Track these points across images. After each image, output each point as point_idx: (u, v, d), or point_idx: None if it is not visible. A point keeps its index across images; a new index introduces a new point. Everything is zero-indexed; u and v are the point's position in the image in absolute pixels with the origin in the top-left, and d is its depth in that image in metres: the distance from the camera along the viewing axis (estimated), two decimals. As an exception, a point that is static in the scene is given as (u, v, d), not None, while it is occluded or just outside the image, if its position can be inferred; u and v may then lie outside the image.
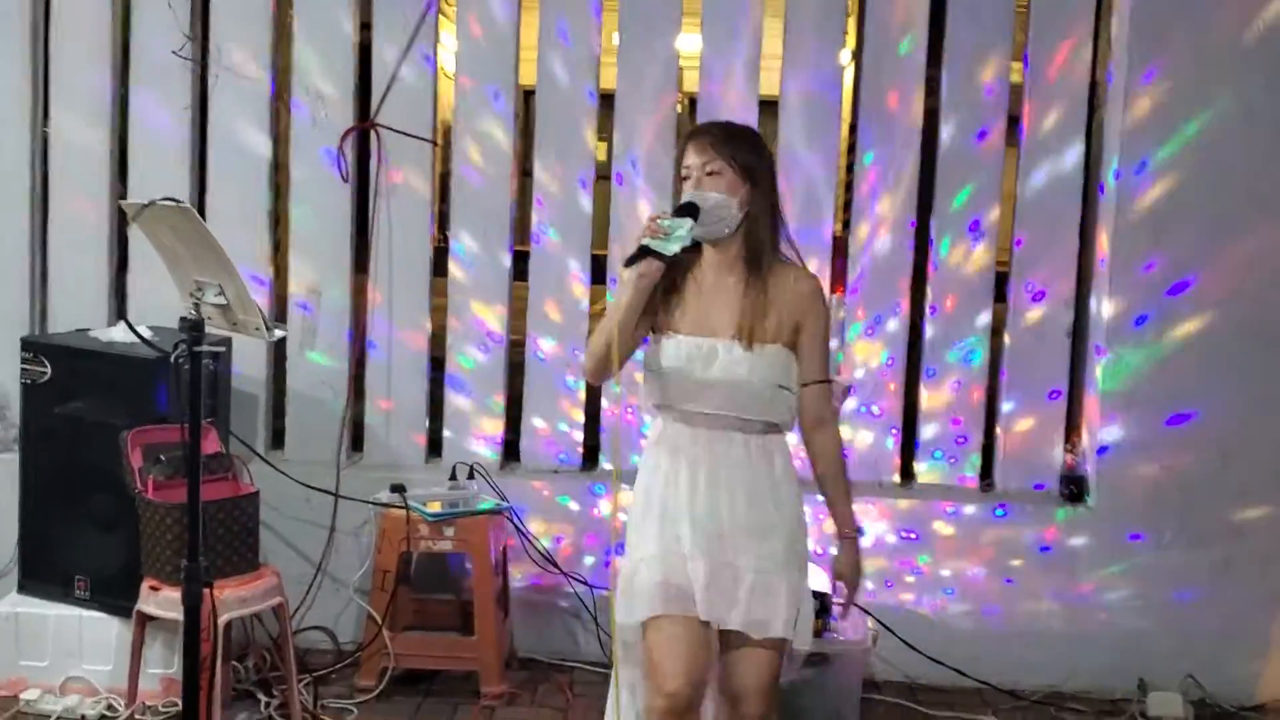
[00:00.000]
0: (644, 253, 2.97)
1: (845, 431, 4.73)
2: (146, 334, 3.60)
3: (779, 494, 3.12)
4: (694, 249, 3.09)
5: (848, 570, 3.21)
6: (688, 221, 2.97)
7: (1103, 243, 4.65)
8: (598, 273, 4.75)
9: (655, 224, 2.98)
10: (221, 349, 3.12)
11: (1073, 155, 4.63)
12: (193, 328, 3.05)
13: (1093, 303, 4.71)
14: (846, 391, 4.32)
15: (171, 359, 3.04)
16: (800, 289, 3.12)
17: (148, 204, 2.97)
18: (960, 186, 4.67)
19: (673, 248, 2.95)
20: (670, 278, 3.10)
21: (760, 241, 3.10)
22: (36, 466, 4.33)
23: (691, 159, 3.09)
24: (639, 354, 3.17)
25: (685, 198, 3.05)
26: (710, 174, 3.06)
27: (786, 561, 3.10)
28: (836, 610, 3.33)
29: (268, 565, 4.14)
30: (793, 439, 3.18)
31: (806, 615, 3.15)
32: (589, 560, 4.67)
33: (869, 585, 4.64)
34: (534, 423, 4.81)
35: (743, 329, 3.07)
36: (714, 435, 3.09)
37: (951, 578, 4.68)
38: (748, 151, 3.10)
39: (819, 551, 4.65)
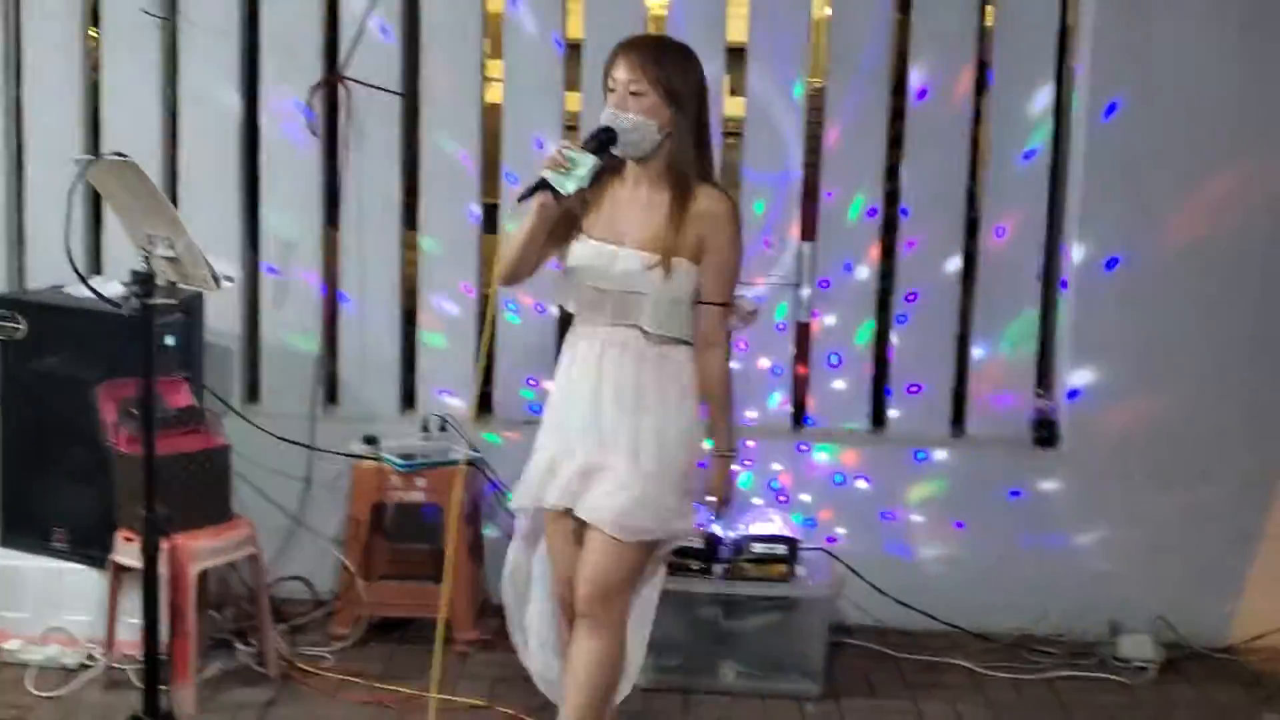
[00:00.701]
0: (542, 184, 3.03)
1: (817, 376, 4.78)
2: (112, 290, 3.65)
3: (672, 403, 3.22)
4: (618, 160, 3.17)
5: (716, 486, 3.34)
6: (591, 159, 3.04)
7: (1073, 187, 4.64)
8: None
9: (561, 154, 3.04)
10: (172, 302, 3.12)
11: (1042, 97, 4.61)
12: (144, 280, 3.08)
13: (1062, 246, 4.70)
14: (752, 315, 4.32)
15: (123, 313, 3.06)
16: (708, 207, 3.18)
17: (93, 159, 3.00)
18: (929, 131, 4.65)
19: (570, 186, 3.03)
20: (594, 183, 3.15)
21: (682, 165, 3.15)
22: (14, 421, 4.37)
23: (620, 74, 3.13)
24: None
25: (603, 120, 3.12)
26: (634, 94, 3.10)
27: (660, 471, 3.20)
28: (705, 519, 3.50)
29: (241, 516, 4.20)
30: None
31: (674, 529, 3.25)
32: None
33: (841, 531, 4.70)
34: (506, 374, 4.83)
35: (657, 246, 3.13)
36: (610, 339, 3.21)
37: (922, 523, 4.70)
38: (676, 73, 3.14)
39: (790, 496, 4.70)
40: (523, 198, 3.09)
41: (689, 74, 3.17)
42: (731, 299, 3.27)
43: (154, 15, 4.67)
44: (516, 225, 3.24)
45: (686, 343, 3.24)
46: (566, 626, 3.40)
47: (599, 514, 3.19)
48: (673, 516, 3.24)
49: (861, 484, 4.70)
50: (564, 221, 3.22)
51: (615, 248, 3.18)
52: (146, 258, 3.15)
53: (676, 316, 3.20)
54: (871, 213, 4.70)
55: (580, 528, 3.26)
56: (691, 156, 3.16)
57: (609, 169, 3.20)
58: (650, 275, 3.14)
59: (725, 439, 3.32)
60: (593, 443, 3.22)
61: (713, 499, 3.35)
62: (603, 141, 3.09)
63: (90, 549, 4.22)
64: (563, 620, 3.44)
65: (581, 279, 3.22)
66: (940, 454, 4.70)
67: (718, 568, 4.25)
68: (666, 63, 3.14)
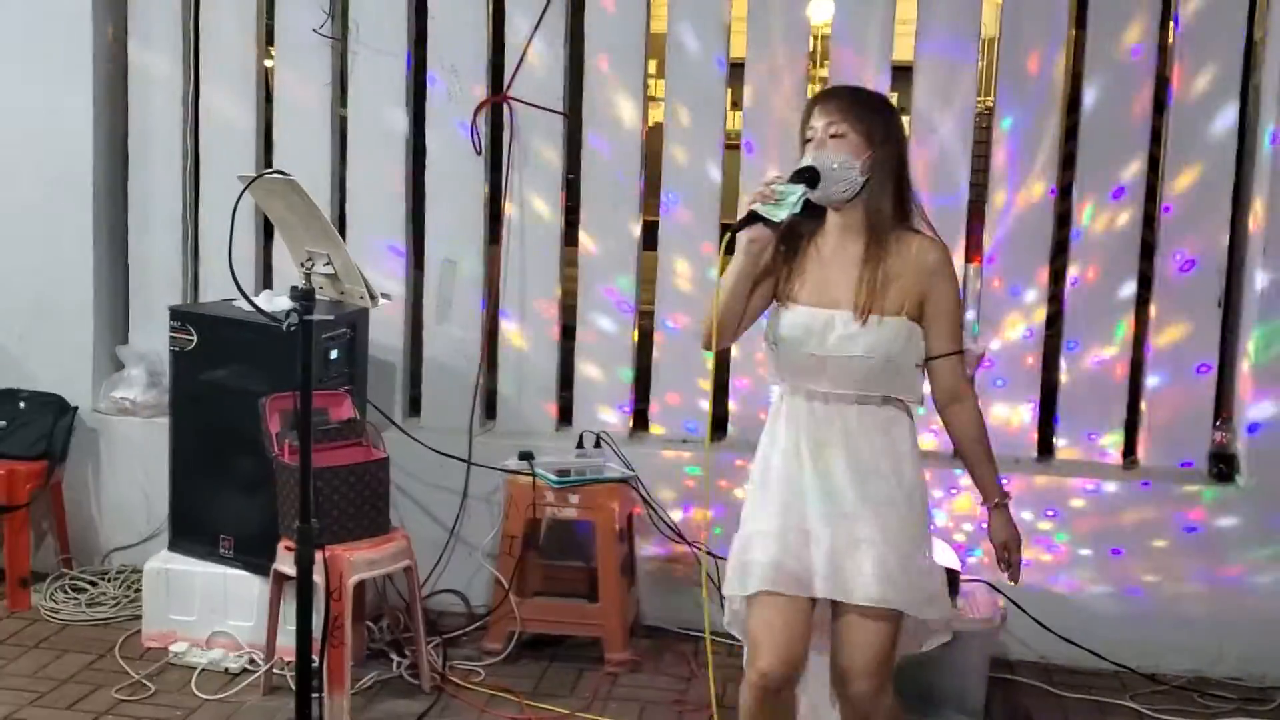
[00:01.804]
0: (752, 218, 2.93)
1: (981, 402, 4.62)
2: (279, 304, 3.73)
3: (900, 467, 3.04)
4: (818, 214, 3.04)
5: (1004, 535, 3.13)
6: (800, 188, 2.92)
7: (1258, 209, 4.43)
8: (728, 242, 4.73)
9: (768, 189, 2.94)
10: (330, 318, 3.17)
11: (1226, 118, 4.42)
12: (303, 296, 3.14)
13: (1245, 272, 4.49)
14: (980, 359, 4.21)
15: (283, 327, 3.12)
16: (925, 259, 3.02)
17: (256, 176, 3.06)
18: (1104, 152, 4.49)
19: (781, 214, 2.91)
20: (794, 245, 3.07)
21: (883, 208, 3.02)
22: (185, 431, 4.51)
23: (816, 121, 3.02)
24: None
25: (805, 160, 3.00)
26: (835, 136, 2.98)
27: (911, 537, 3.04)
28: (1004, 574, 3.21)
29: (398, 529, 4.25)
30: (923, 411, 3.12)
31: (933, 588, 3.08)
32: (717, 531, 4.67)
33: (981, 560, 4.53)
34: (663, 392, 4.81)
35: (859, 301, 2.99)
36: (830, 410, 3.04)
37: (1091, 557, 4.53)
38: (874, 115, 3.02)
39: (950, 527, 4.57)
40: (736, 230, 2.98)
41: (888, 115, 3.08)
42: (962, 347, 3.13)
43: (326, 36, 4.79)
44: (724, 274, 3.08)
45: (910, 403, 3.09)
46: (761, 712, 3.08)
47: (870, 592, 2.98)
48: (934, 583, 3.10)
49: (1027, 515, 4.54)
50: (765, 285, 3.10)
51: (830, 311, 3.02)
52: (307, 274, 3.19)
53: (899, 377, 3.04)
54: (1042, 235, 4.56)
55: (805, 606, 3.04)
56: (891, 202, 3.03)
57: (809, 227, 3.07)
58: (867, 337, 2.98)
59: (994, 489, 3.13)
60: (833, 517, 3.02)
61: (1007, 552, 3.14)
62: (806, 180, 2.97)
63: (255, 557, 4.32)
64: (757, 706, 3.08)
65: (795, 351, 3.05)
66: (1111, 486, 4.52)
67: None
68: (865, 106, 3.04)
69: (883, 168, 3.01)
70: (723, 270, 3.11)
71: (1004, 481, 3.22)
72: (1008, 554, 3.14)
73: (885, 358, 3.00)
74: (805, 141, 3.05)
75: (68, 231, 4.96)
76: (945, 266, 3.05)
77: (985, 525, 3.18)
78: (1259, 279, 4.39)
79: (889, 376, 3.02)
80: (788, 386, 3.11)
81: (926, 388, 3.13)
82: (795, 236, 3.07)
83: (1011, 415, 4.64)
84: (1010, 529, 3.13)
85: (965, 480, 4.52)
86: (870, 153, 3.00)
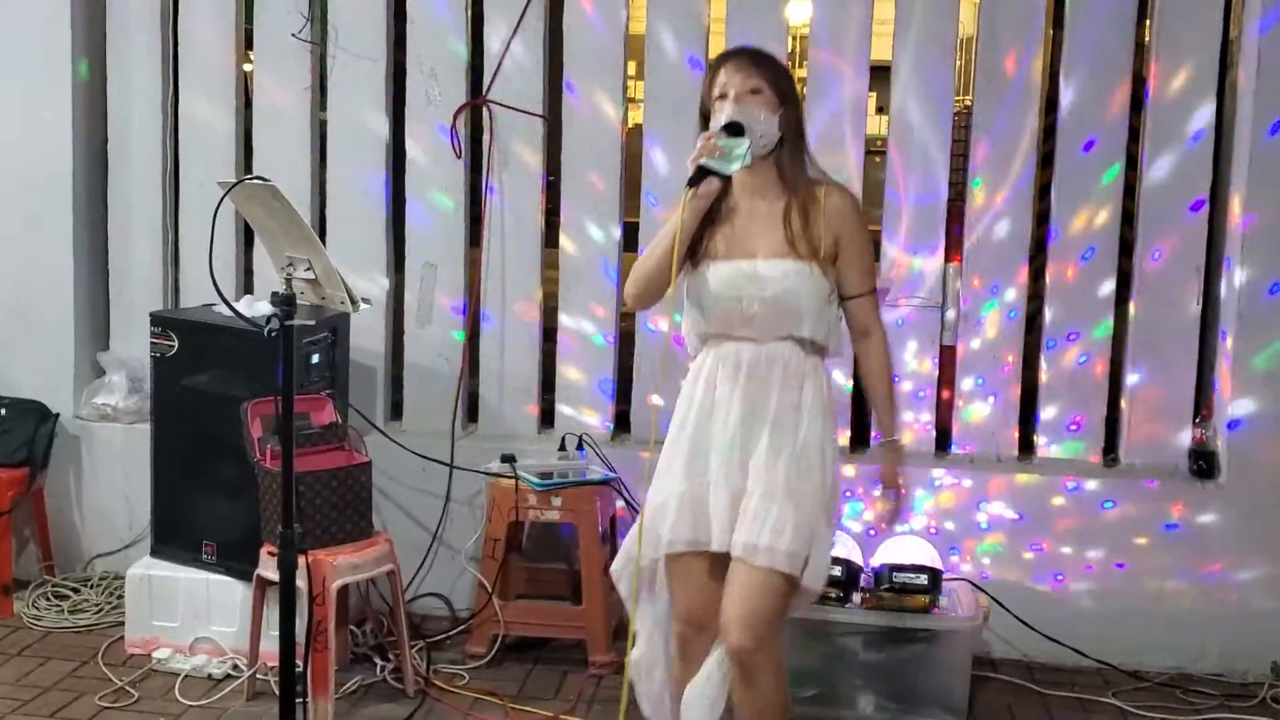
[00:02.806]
0: (703, 173, 3.01)
1: (958, 401, 4.66)
2: (260, 309, 3.73)
3: (804, 421, 3.13)
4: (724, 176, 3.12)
5: (887, 474, 3.28)
6: (744, 140, 3.01)
7: (1235, 208, 4.45)
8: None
9: (711, 143, 3.02)
10: (311, 323, 3.17)
11: (1203, 116, 4.44)
12: (284, 301, 3.14)
13: (1224, 270, 4.52)
14: (885, 294, 4.22)
15: (264, 333, 3.12)
16: (835, 204, 3.15)
17: (236, 182, 3.06)
18: (1081, 151, 4.51)
19: (733, 167, 3.01)
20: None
21: (797, 161, 3.15)
22: (167, 437, 4.50)
23: (730, 77, 3.12)
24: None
25: (730, 116, 3.06)
26: (753, 92, 3.10)
27: (802, 491, 3.10)
28: (879, 516, 3.36)
29: (381, 533, 4.25)
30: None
31: (822, 553, 3.14)
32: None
33: (962, 559, 4.56)
34: (644, 394, 4.82)
35: (780, 249, 3.09)
36: (755, 359, 3.13)
37: (1072, 555, 4.54)
38: (781, 74, 3.18)
39: (930, 525, 4.58)
40: (691, 184, 3.04)
41: (788, 74, 3.22)
42: (874, 286, 3.24)
43: (305, 40, 4.79)
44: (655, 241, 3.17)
45: (825, 351, 3.19)
46: (684, 668, 3.26)
47: (757, 548, 3.05)
48: (823, 548, 3.15)
49: (1009, 513, 4.56)
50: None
51: (754, 262, 3.12)
52: (287, 279, 3.19)
53: (827, 320, 3.16)
54: (1020, 235, 4.58)
55: (713, 564, 3.15)
56: (803, 155, 3.18)
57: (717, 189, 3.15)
58: (802, 281, 3.10)
59: (890, 426, 3.30)
60: (736, 470, 3.12)
61: (889, 492, 3.29)
62: (735, 134, 3.04)
63: (237, 562, 4.31)
64: (679, 664, 3.29)
65: (725, 304, 3.13)
66: (1092, 484, 4.53)
67: (857, 597, 4.16)
68: (773, 64, 3.18)
69: (794, 122, 3.15)
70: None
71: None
72: (892, 497, 3.28)
73: (806, 296, 3.10)
74: (718, 98, 3.12)
75: (48, 238, 4.95)
76: (854, 210, 3.19)
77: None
78: (1237, 276, 4.41)
79: (811, 318, 3.12)
80: (710, 345, 3.20)
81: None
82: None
83: (992, 414, 4.65)
84: (891, 466, 3.27)
85: (948, 479, 4.56)
86: (784, 109, 3.12)
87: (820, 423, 3.16)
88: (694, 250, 3.17)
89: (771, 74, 3.13)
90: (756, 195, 3.17)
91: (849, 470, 4.49)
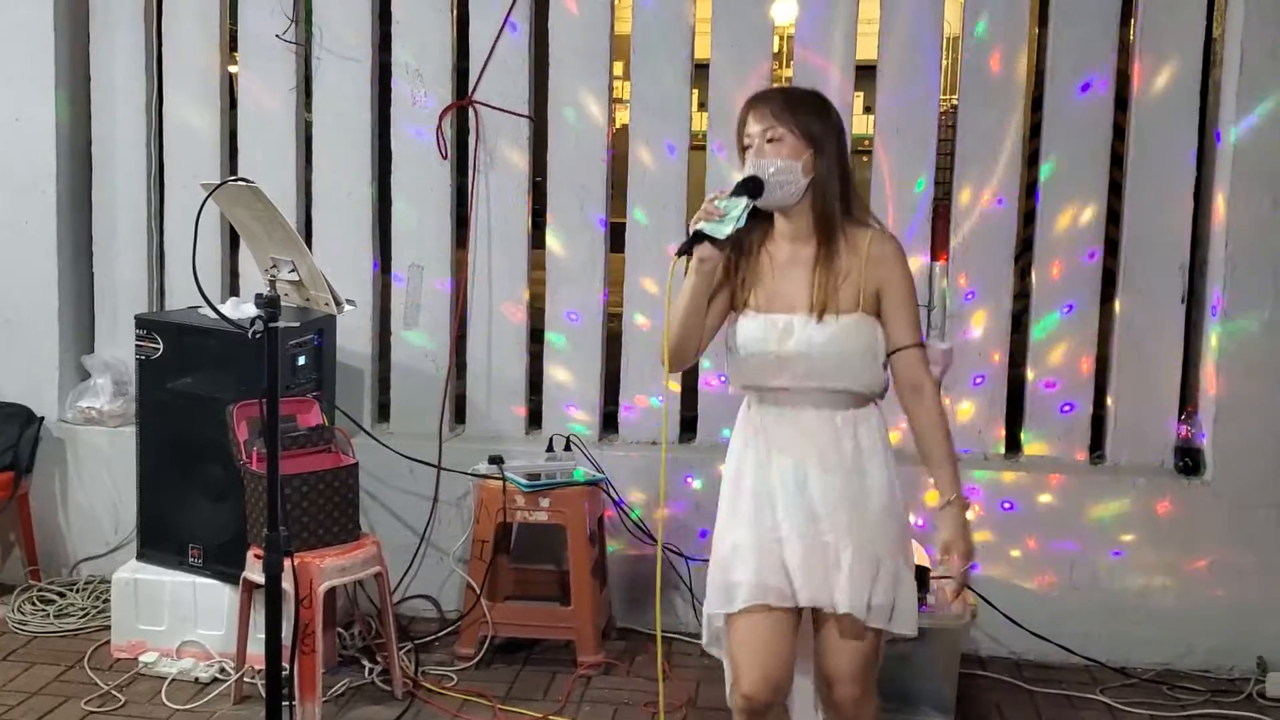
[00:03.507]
0: (698, 238, 2.91)
1: (945, 399, 4.65)
2: (245, 311, 3.72)
3: (867, 468, 3.02)
4: (766, 219, 3.04)
5: (953, 538, 3.02)
6: (742, 201, 2.90)
7: (1218, 205, 4.47)
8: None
9: (711, 205, 2.91)
10: (295, 325, 3.16)
11: (1187, 114, 4.45)
12: (269, 303, 3.13)
13: (1208, 268, 4.53)
14: (947, 359, 4.22)
15: (249, 335, 3.11)
16: (876, 252, 3.00)
17: (220, 183, 3.05)
18: (1066, 149, 4.52)
19: (726, 230, 2.89)
20: (745, 254, 3.05)
21: (830, 208, 3.00)
22: (152, 440, 4.49)
23: (752, 127, 3.00)
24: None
25: (746, 170, 2.98)
26: (771, 141, 2.97)
27: (882, 538, 3.01)
28: (942, 585, 3.19)
29: (368, 535, 4.24)
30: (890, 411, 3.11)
31: (907, 597, 3.05)
32: (686, 532, 4.67)
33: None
34: (632, 394, 4.82)
35: (816, 301, 2.98)
36: (798, 412, 3.02)
37: (1060, 553, 4.55)
38: (809, 116, 3.00)
39: (919, 523, 4.58)
40: (681, 253, 2.96)
41: (824, 113, 3.04)
42: (921, 339, 3.07)
43: (289, 41, 4.78)
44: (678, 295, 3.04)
45: (876, 399, 3.09)
46: None
47: (869, 607, 2.96)
48: (907, 589, 3.05)
49: (996, 511, 4.56)
50: (722, 297, 3.08)
51: (787, 316, 3.00)
52: (272, 281, 3.18)
53: (863, 370, 3.01)
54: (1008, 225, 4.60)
55: (788, 621, 3.01)
56: (839, 199, 3.01)
57: (759, 234, 3.06)
58: (828, 334, 2.97)
59: (950, 486, 3.02)
60: (807, 521, 2.99)
61: (953, 556, 3.02)
62: (749, 190, 2.93)
63: (224, 565, 4.30)
64: None
65: (757, 357, 3.02)
66: (1078, 482, 4.54)
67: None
68: (799, 106, 3.02)
69: (825, 166, 3.00)
70: (669, 296, 3.08)
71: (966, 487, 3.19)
72: (948, 557, 3.04)
73: (844, 352, 2.98)
74: (744, 149, 3.03)
75: (32, 241, 4.93)
76: (898, 258, 3.03)
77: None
78: (1221, 274, 4.43)
79: (851, 370, 3.00)
80: (752, 393, 3.10)
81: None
82: (745, 246, 3.04)
83: (978, 412, 4.66)
84: (956, 531, 3.02)
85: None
86: (811, 152, 2.98)
87: (884, 466, 3.05)
88: (734, 295, 3.07)
89: (795, 118, 2.98)
90: (799, 242, 3.03)
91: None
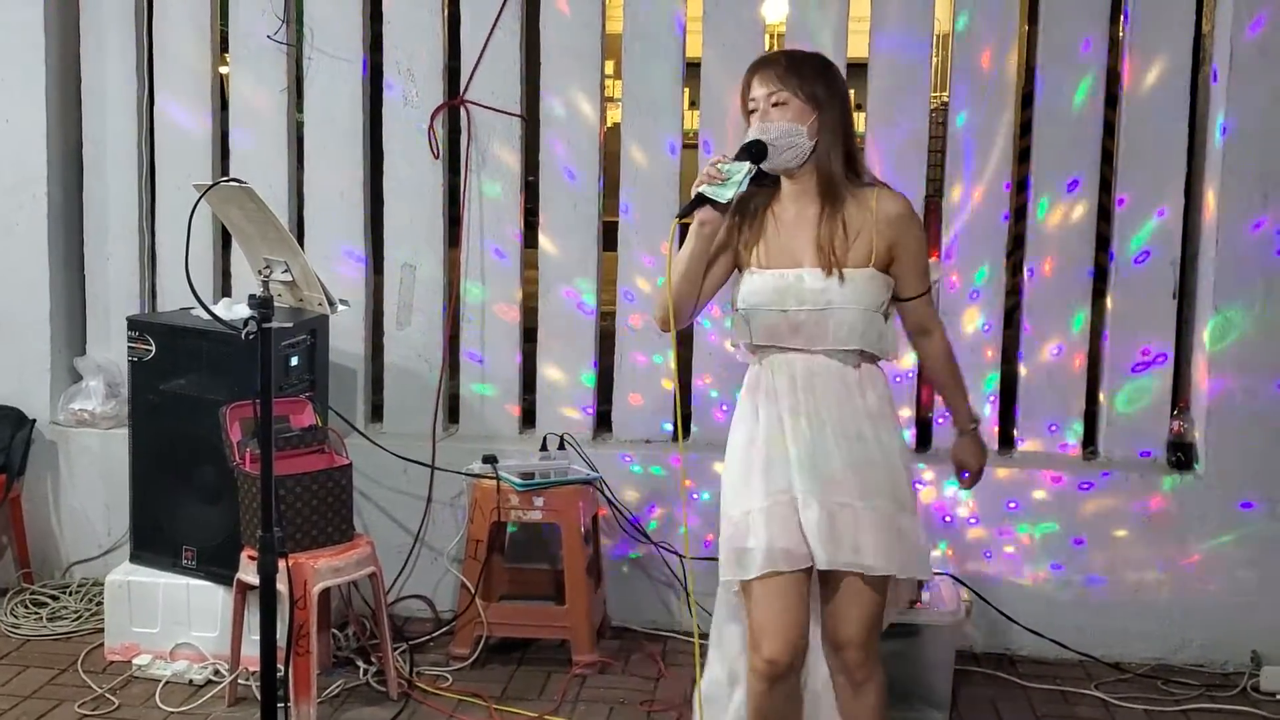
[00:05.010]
0: (699, 201, 2.94)
1: (938, 396, 4.66)
2: (238, 312, 3.71)
3: (878, 429, 3.07)
4: (772, 183, 3.07)
5: (970, 457, 3.27)
6: (745, 165, 2.93)
7: (1209, 201, 4.48)
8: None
9: (714, 169, 2.94)
10: (289, 325, 3.15)
11: (1177, 111, 4.46)
12: (262, 304, 3.12)
13: (1199, 263, 4.54)
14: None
15: (242, 336, 3.10)
16: (887, 210, 3.03)
17: (212, 184, 3.05)
18: (1057, 146, 4.53)
19: (727, 194, 2.92)
20: (749, 216, 3.09)
21: (835, 168, 3.03)
22: (145, 442, 4.48)
23: (756, 90, 3.04)
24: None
25: (750, 134, 3.01)
26: (776, 105, 3.00)
27: (894, 498, 3.05)
28: (961, 485, 3.34)
29: (362, 535, 4.23)
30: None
31: (920, 546, 3.12)
32: (681, 530, 4.67)
33: (946, 553, 4.58)
34: (625, 393, 4.82)
35: (824, 257, 3.01)
36: (810, 370, 3.05)
37: (1053, 548, 4.56)
38: (814, 79, 3.03)
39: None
40: (682, 215, 2.99)
41: (828, 76, 3.06)
42: (929, 285, 3.17)
43: (280, 42, 4.77)
44: (676, 256, 3.09)
45: (884, 357, 3.12)
46: (770, 703, 3.08)
47: (866, 559, 2.99)
48: (920, 541, 3.11)
49: (990, 507, 4.57)
50: (723, 261, 3.12)
51: (796, 270, 3.03)
52: (265, 281, 3.18)
53: (872, 327, 3.04)
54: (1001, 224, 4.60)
55: (804, 584, 3.04)
56: (842, 160, 3.04)
57: (764, 197, 3.10)
58: (838, 289, 2.99)
59: (966, 415, 3.26)
60: (819, 483, 3.01)
61: (965, 469, 3.27)
62: (753, 155, 2.97)
63: (218, 567, 4.30)
64: (766, 698, 3.07)
65: (765, 313, 3.05)
66: (1072, 477, 4.55)
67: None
68: (803, 70, 3.04)
69: (829, 128, 3.03)
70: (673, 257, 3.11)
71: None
72: (966, 470, 3.28)
73: (857, 308, 3.01)
74: (749, 113, 3.07)
75: (23, 243, 4.92)
76: (909, 214, 3.08)
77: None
78: (1212, 269, 4.44)
79: (861, 328, 3.03)
80: (761, 357, 3.12)
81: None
82: (750, 208, 3.09)
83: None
84: (973, 452, 3.27)
85: (929, 474, 4.57)
86: (815, 115, 3.01)
87: (893, 428, 3.11)
88: (738, 256, 3.11)
89: (800, 81, 3.00)
90: (804, 202, 3.06)
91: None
